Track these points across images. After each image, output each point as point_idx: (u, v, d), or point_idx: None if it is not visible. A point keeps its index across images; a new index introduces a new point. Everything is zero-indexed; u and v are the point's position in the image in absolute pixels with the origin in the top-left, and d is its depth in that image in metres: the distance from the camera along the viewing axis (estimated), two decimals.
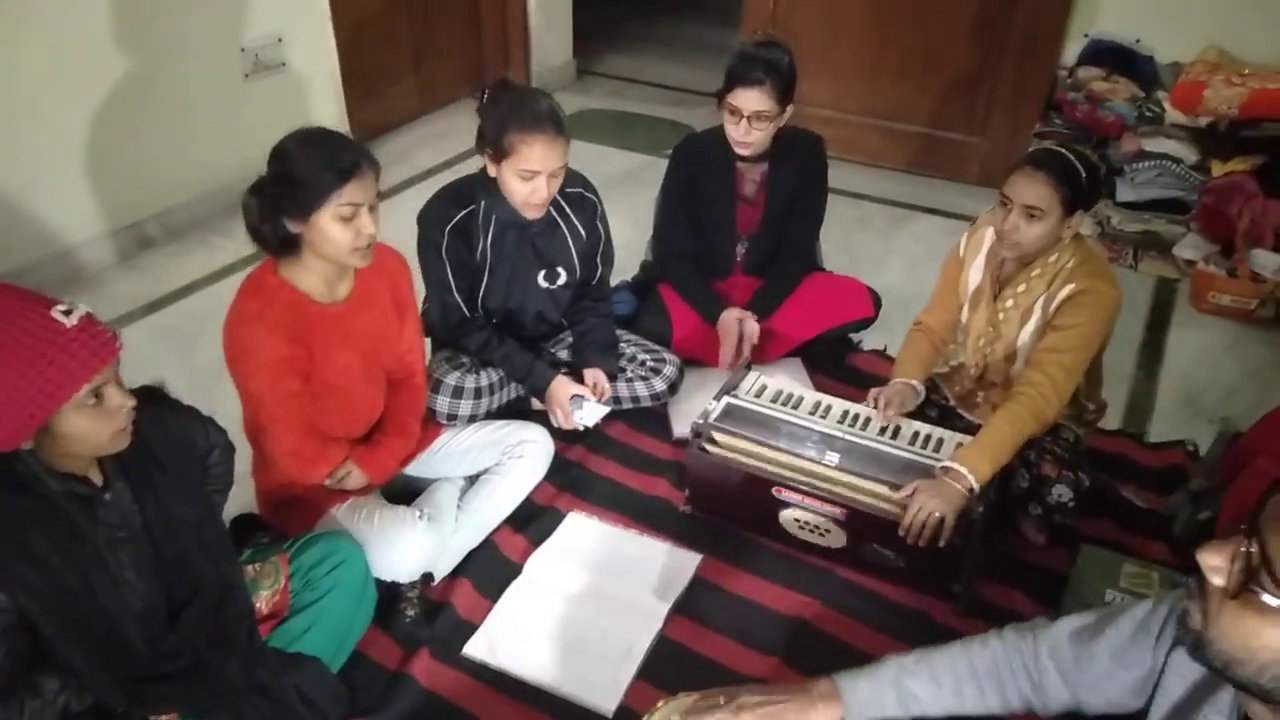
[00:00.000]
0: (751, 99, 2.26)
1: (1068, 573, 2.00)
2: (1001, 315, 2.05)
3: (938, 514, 1.77)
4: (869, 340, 2.79)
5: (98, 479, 1.32)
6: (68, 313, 1.19)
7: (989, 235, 2.10)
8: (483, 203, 2.13)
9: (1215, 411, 2.55)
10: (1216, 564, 0.86)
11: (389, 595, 1.82)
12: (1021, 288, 2.00)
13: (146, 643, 1.35)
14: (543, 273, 2.25)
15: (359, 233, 1.63)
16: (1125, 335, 2.80)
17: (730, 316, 2.45)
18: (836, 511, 1.89)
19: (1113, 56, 3.43)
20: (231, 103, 3.37)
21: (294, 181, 1.59)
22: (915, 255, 3.34)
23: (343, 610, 1.65)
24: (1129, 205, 3.36)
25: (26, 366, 1.15)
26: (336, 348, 1.77)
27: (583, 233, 2.27)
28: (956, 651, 1.22)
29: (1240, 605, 0.83)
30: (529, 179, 1.99)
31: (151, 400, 1.40)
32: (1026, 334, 2.03)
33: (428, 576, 1.89)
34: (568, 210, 2.24)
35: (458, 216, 2.12)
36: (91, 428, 1.22)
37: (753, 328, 2.45)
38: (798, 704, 1.17)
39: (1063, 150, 1.92)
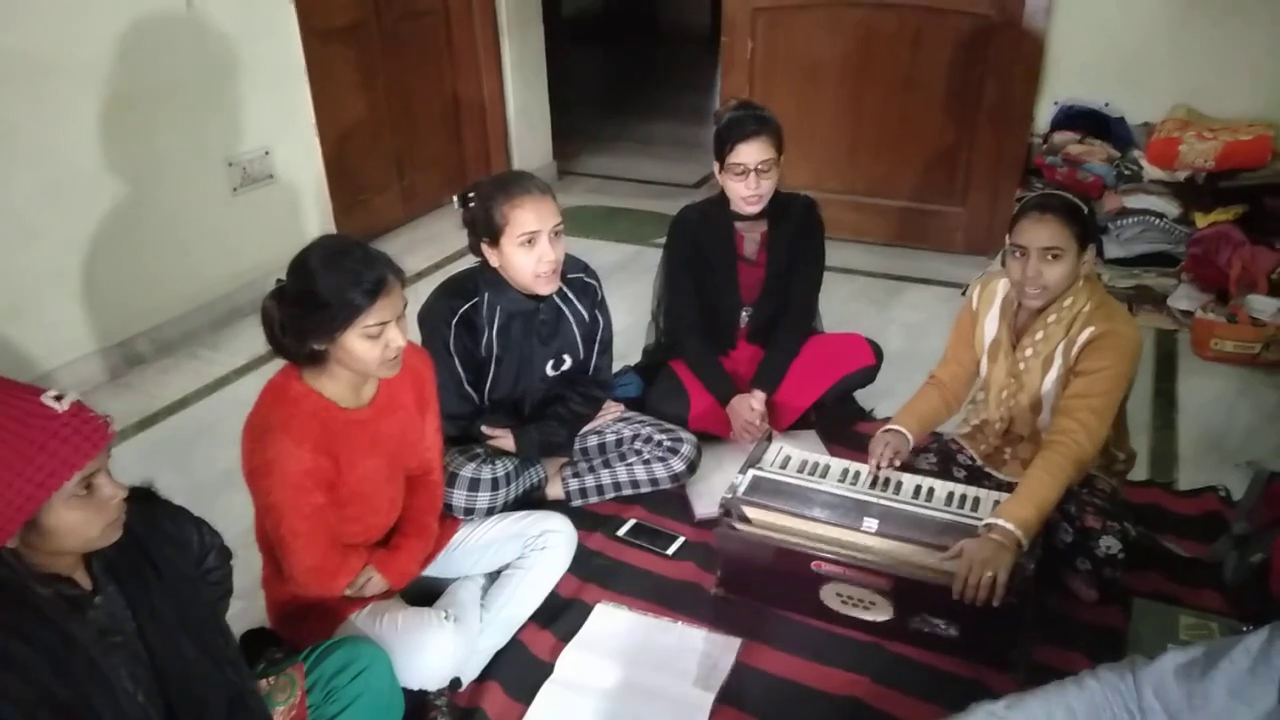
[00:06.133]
0: (754, 150, 2.29)
1: (1122, 629, 1.92)
2: (1022, 365, 2.03)
3: (990, 573, 1.69)
4: (882, 409, 2.74)
5: (85, 581, 1.23)
6: (59, 398, 1.13)
7: (1002, 286, 2.09)
8: (486, 295, 2.11)
9: (1239, 455, 2.51)
10: None
11: (415, 705, 1.70)
12: (1040, 335, 1.98)
13: None
14: (550, 362, 2.22)
15: (387, 346, 1.59)
16: (1137, 387, 2.78)
17: (740, 404, 2.44)
18: (881, 582, 1.81)
19: (1085, 120, 3.52)
20: (220, 216, 3.36)
21: (318, 304, 1.54)
22: (914, 322, 3.34)
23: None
24: (1118, 261, 3.40)
25: (15, 455, 1.08)
26: (362, 454, 1.70)
27: (586, 317, 2.25)
28: (1051, 695, 1.14)
29: None
30: (531, 244, 1.98)
31: (141, 499, 1.32)
32: (1049, 382, 2.00)
33: (455, 682, 1.77)
34: (571, 296, 2.22)
35: (462, 309, 2.09)
36: (82, 520, 1.14)
37: (761, 409, 2.44)
38: None
39: (1059, 190, 1.93)
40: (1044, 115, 3.65)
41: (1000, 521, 1.74)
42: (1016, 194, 3.61)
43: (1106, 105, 3.52)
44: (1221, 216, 3.22)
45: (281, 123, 3.53)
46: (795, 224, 2.49)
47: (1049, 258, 1.87)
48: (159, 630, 1.28)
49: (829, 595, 1.88)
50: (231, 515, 1.70)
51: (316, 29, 3.64)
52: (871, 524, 1.85)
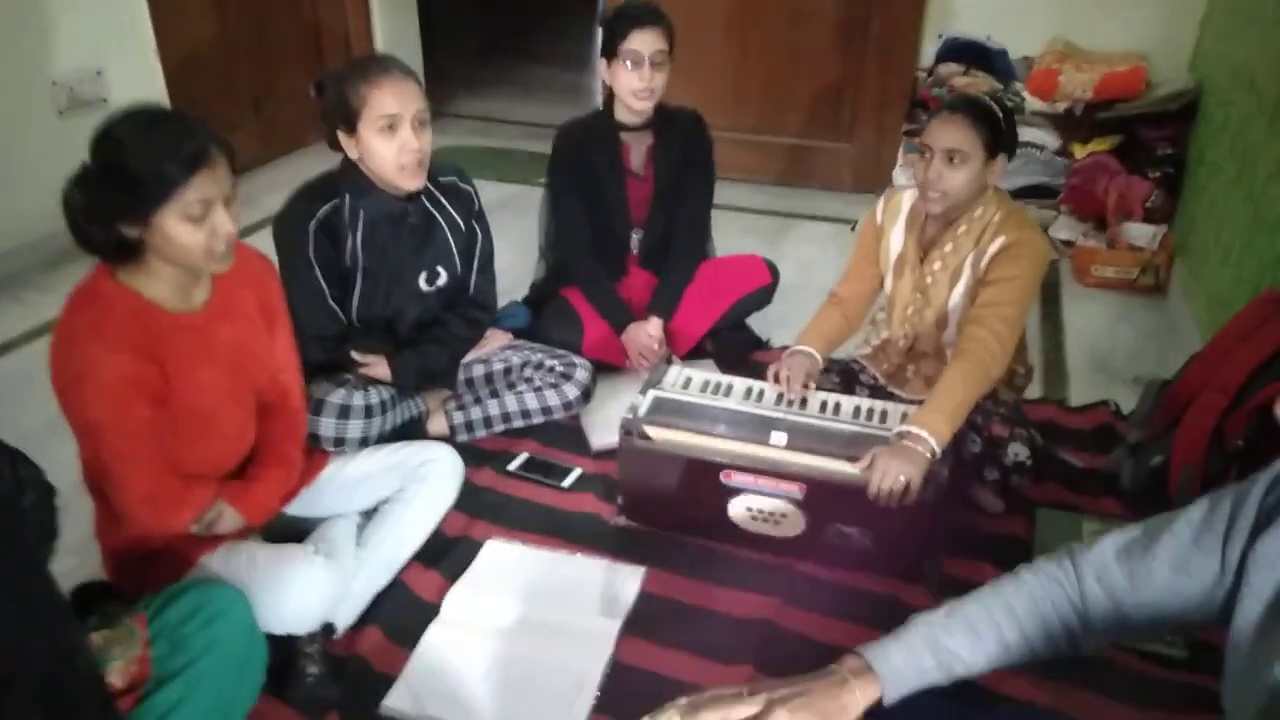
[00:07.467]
0: (650, 39, 2.16)
1: (1028, 539, 1.90)
2: (929, 279, 1.96)
3: (903, 478, 1.61)
4: (779, 338, 2.66)
5: None
6: None
7: (908, 199, 2.01)
8: (348, 197, 1.89)
9: (1125, 374, 2.55)
10: None
11: (282, 656, 1.49)
12: (949, 247, 1.92)
13: None
14: (424, 274, 2.02)
15: (214, 232, 1.36)
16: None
17: (637, 330, 2.31)
18: (794, 489, 1.71)
19: (968, 53, 3.52)
20: (45, 143, 2.97)
21: (126, 177, 1.30)
22: (806, 256, 3.27)
23: (224, 674, 1.32)
24: None
25: None
26: (196, 363, 1.47)
27: (462, 225, 2.06)
28: (988, 595, 1.06)
29: None
30: (392, 131, 1.78)
31: None
32: (957, 296, 1.94)
33: (328, 629, 1.57)
34: (443, 200, 2.03)
35: (321, 212, 1.88)
36: None
37: (659, 334, 2.32)
38: (829, 687, 0.99)
39: (977, 95, 1.87)
40: (929, 50, 3.63)
41: (913, 428, 1.67)
42: (903, 128, 3.60)
43: (988, 38, 3.53)
44: (1099, 147, 3.28)
45: (115, 41, 3.15)
46: (682, 137, 2.37)
47: (951, 160, 1.80)
48: None
49: (738, 511, 1.77)
50: (61, 467, 1.45)
51: None
52: (780, 438, 1.74)
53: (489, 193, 3.66)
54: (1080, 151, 3.31)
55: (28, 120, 2.93)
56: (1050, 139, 3.37)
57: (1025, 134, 3.37)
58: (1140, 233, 3.08)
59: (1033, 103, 3.38)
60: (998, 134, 1.80)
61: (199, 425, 1.49)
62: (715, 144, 2.46)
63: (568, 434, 2.20)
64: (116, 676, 1.25)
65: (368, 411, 1.85)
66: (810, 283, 2.95)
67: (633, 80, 2.19)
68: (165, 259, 1.39)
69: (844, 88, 3.74)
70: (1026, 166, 3.39)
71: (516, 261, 2.90)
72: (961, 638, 1.02)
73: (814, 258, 3.25)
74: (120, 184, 1.31)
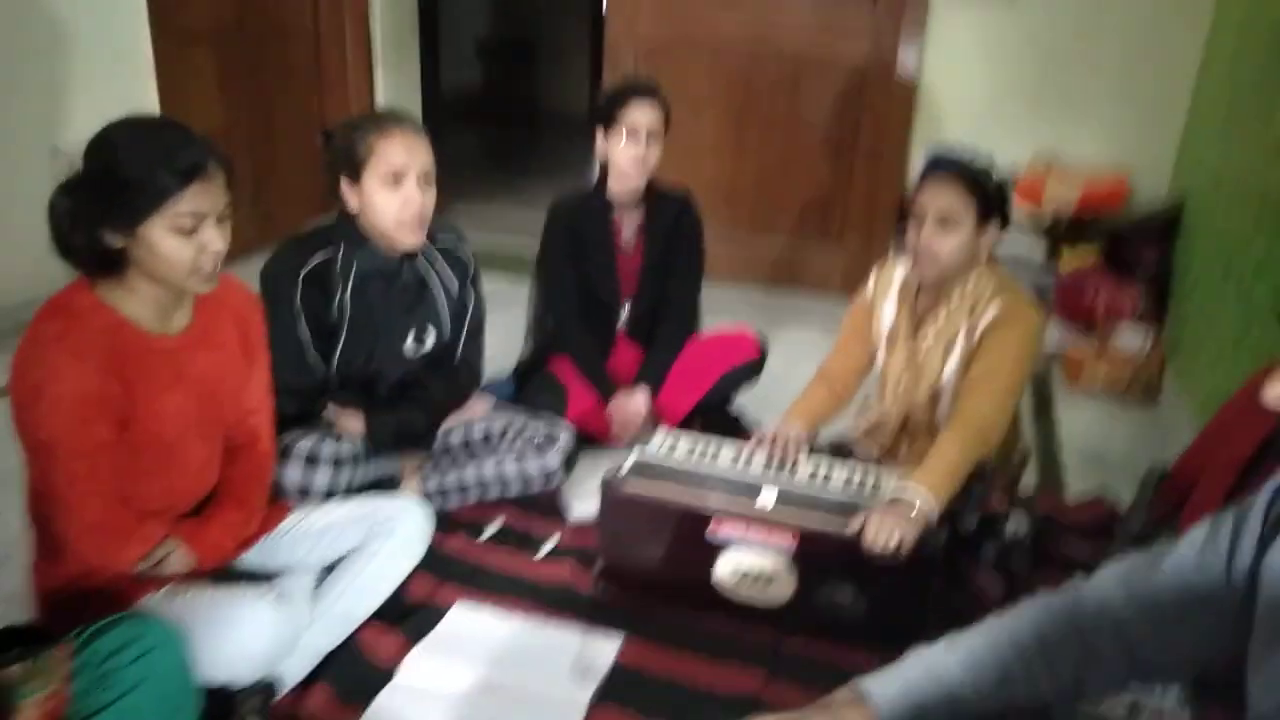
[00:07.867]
0: (648, 111, 2.19)
1: None
2: (922, 352, 1.92)
3: (898, 535, 1.52)
4: (768, 424, 2.60)
5: None
6: None
7: (900, 272, 2.01)
8: (341, 247, 1.87)
9: (1120, 476, 2.48)
10: None
11: (218, 709, 1.36)
12: (942, 318, 1.89)
13: None
14: (411, 335, 1.97)
15: (203, 249, 1.33)
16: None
17: (624, 401, 2.27)
18: (785, 541, 1.61)
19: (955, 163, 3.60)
20: (38, 207, 2.96)
21: (117, 183, 1.28)
22: (795, 353, 3.24)
23: (151, 715, 1.19)
24: None
25: None
26: (165, 389, 1.41)
27: (455, 289, 2.03)
28: (991, 625, 1.01)
29: None
30: (397, 184, 1.76)
31: None
32: (950, 368, 1.90)
33: (269, 688, 1.44)
34: (439, 262, 2.00)
35: (313, 262, 1.84)
36: None
37: (645, 405, 2.28)
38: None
39: (968, 161, 1.89)
40: (917, 158, 3.72)
41: (909, 490, 1.60)
42: (893, 233, 3.65)
43: (975, 150, 3.61)
44: (1086, 255, 3.32)
45: (120, 112, 3.20)
46: (673, 214, 2.39)
47: (943, 225, 1.80)
48: None
49: (725, 571, 1.66)
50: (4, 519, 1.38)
51: (171, 26, 3.37)
52: (769, 496, 1.66)
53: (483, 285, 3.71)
54: (1068, 259, 3.36)
55: (22, 184, 2.93)
56: (1037, 248, 3.42)
57: (1013, 244, 3.42)
58: (1130, 339, 3.07)
59: (1019, 213, 3.43)
60: (988, 198, 1.81)
61: (160, 456, 1.41)
62: (707, 247, 2.48)
63: (544, 504, 2.10)
64: (30, 711, 1.13)
65: (336, 462, 1.76)
66: (802, 374, 2.91)
67: (629, 150, 2.21)
68: (147, 273, 1.34)
69: (834, 194, 3.82)
70: (1015, 272, 3.40)
71: (502, 351, 2.87)
72: (963, 666, 0.95)
73: (804, 354, 3.22)
74: (111, 189, 1.28)
